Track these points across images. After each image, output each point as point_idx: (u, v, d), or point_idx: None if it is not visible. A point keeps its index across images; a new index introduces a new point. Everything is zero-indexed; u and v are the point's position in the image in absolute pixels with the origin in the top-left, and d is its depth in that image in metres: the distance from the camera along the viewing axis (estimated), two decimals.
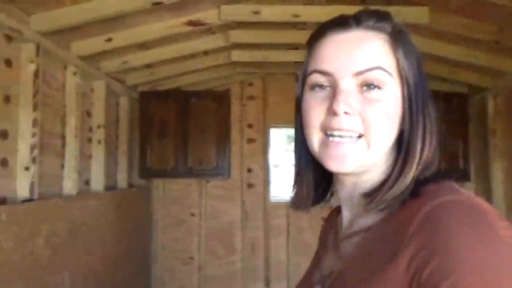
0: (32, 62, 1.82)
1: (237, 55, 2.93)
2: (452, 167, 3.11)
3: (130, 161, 3.06)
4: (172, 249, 3.46)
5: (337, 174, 0.63)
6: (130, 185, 3.07)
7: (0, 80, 1.67)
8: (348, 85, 0.56)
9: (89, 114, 2.51)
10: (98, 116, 2.56)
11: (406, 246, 0.46)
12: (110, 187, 2.75)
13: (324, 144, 0.58)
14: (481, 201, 0.47)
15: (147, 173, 3.14)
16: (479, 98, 3.11)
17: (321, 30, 0.61)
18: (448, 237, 0.43)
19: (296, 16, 2.21)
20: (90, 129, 2.52)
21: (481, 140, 3.08)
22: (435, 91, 3.20)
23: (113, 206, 2.59)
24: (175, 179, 3.34)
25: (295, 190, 0.69)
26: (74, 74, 2.22)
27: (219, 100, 3.26)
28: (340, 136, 0.56)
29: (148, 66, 2.89)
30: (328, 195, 0.71)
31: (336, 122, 0.56)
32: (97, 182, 2.51)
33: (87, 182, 2.45)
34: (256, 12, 2.20)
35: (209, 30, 2.57)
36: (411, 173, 0.55)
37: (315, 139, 0.59)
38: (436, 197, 0.48)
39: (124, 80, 2.96)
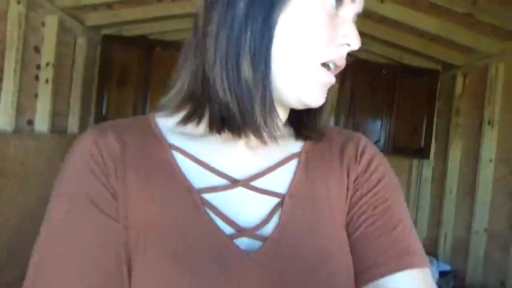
0: None
1: None
2: (412, 143, 3.08)
3: (85, 106, 2.93)
4: None
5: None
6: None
7: None
8: None
9: (37, 50, 2.35)
10: (48, 53, 2.40)
11: (354, 161, 0.57)
12: (59, 130, 2.63)
13: (316, 72, 0.49)
14: None
15: (103, 120, 3.00)
16: (450, 76, 3.03)
17: None
18: (381, 156, 0.59)
19: None
20: (38, 67, 2.37)
21: (446, 120, 3.03)
22: (406, 65, 3.12)
23: (59, 150, 2.48)
24: None
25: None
26: (18, 2, 2.05)
27: None
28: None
29: (109, 6, 2.71)
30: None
31: (343, 55, 0.51)
32: (42, 123, 2.38)
33: (30, 122, 2.33)
34: None
35: None
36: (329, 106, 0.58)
37: (309, 65, 0.48)
38: (354, 133, 0.62)
39: (84, 19, 2.78)
